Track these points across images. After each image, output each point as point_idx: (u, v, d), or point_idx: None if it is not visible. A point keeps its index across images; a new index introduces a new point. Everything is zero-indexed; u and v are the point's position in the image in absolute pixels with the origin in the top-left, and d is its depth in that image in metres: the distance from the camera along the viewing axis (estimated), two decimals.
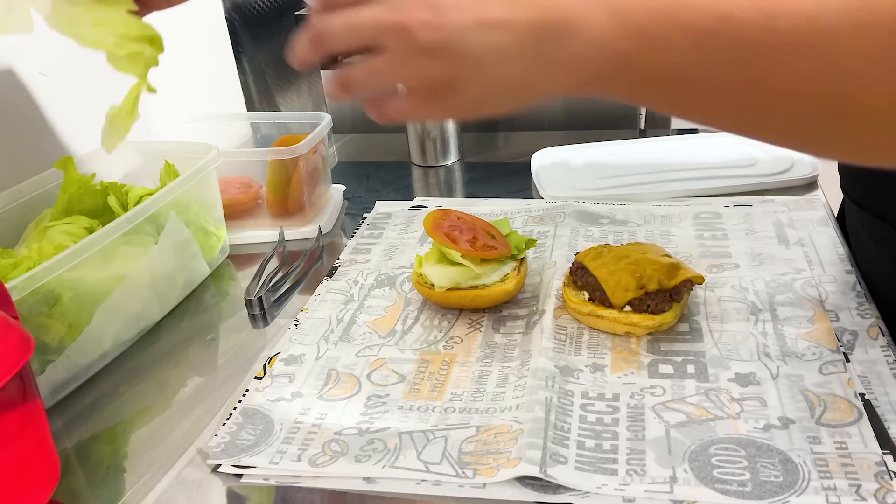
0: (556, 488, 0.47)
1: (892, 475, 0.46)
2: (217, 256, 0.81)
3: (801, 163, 0.87)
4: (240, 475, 0.52)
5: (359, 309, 0.70)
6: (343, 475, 0.50)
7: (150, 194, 0.72)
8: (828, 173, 0.85)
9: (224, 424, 0.56)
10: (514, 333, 0.64)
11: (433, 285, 0.65)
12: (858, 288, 0.64)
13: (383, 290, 0.72)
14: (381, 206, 0.90)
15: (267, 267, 0.78)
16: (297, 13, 1.09)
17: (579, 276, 0.64)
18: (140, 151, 0.84)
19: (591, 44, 0.39)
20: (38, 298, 0.58)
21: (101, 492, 0.53)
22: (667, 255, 0.63)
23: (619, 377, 0.57)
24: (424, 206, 0.89)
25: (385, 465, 0.51)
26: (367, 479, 0.50)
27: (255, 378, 0.61)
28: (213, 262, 0.81)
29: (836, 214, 0.77)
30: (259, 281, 0.75)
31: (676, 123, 1.11)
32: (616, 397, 0.55)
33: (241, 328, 0.71)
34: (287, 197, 0.86)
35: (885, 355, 0.56)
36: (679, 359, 0.58)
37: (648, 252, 0.63)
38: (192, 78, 1.09)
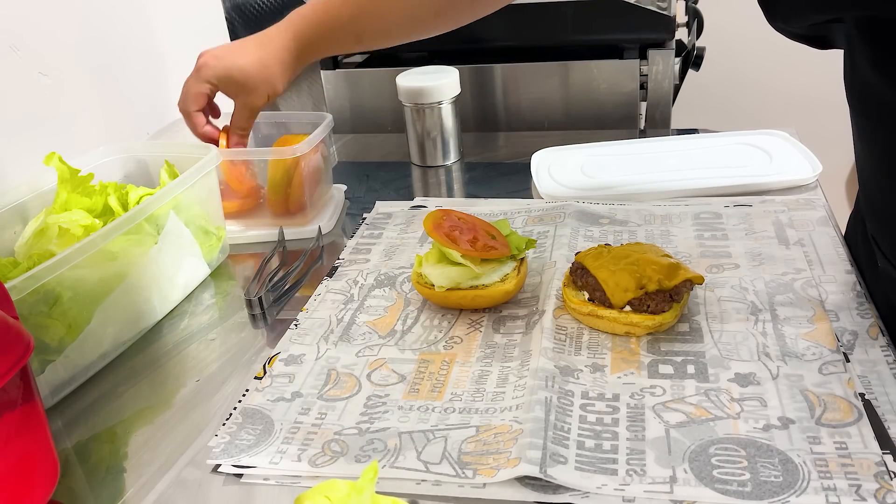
0: (556, 488, 0.47)
1: (892, 475, 0.46)
2: (217, 256, 0.81)
3: (801, 163, 0.87)
4: (240, 475, 0.52)
5: (359, 309, 0.70)
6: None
7: (150, 194, 0.72)
8: (828, 173, 0.85)
9: (224, 424, 0.56)
10: (514, 333, 0.64)
11: (433, 285, 0.65)
12: (858, 288, 0.64)
13: (383, 290, 0.72)
14: (381, 206, 0.90)
15: (267, 267, 0.78)
16: None
17: (579, 276, 0.64)
18: (140, 151, 0.84)
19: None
20: (38, 298, 0.58)
21: (101, 492, 0.53)
22: (667, 256, 0.63)
23: (619, 377, 0.57)
24: (424, 206, 0.89)
25: (385, 465, 0.51)
26: None
27: (255, 378, 0.61)
28: (213, 262, 0.81)
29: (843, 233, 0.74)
30: (259, 281, 0.75)
31: (676, 123, 1.11)
32: (616, 397, 0.55)
33: (241, 328, 0.71)
34: (288, 197, 0.86)
35: (885, 355, 0.56)
36: (679, 359, 0.58)
37: (648, 252, 0.63)
38: None
